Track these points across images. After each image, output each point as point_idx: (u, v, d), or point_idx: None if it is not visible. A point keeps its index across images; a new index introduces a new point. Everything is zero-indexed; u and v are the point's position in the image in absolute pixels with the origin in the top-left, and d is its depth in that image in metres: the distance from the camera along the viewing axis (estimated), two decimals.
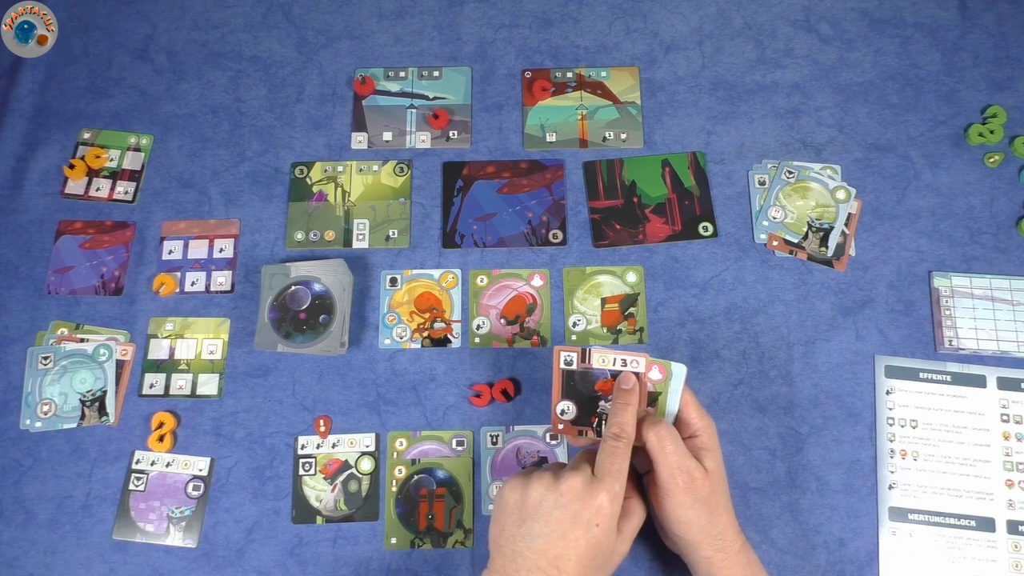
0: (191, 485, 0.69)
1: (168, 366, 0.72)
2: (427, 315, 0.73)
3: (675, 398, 0.58)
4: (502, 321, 0.72)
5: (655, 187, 0.77)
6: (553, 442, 0.69)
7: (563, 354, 0.59)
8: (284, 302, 0.71)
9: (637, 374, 0.58)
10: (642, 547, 0.66)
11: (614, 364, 0.59)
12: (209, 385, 0.71)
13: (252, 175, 0.78)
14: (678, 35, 0.83)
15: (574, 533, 0.50)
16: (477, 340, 0.72)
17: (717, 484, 0.56)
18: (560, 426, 0.59)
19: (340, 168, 0.78)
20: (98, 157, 0.78)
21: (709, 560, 0.56)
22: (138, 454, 0.70)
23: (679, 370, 0.58)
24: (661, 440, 0.54)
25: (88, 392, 0.71)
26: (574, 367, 0.59)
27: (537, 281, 0.73)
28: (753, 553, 0.57)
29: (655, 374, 0.58)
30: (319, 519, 0.67)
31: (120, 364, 0.72)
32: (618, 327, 0.72)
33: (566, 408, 0.59)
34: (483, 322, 0.72)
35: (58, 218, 0.77)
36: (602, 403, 0.59)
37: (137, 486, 0.69)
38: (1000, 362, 0.70)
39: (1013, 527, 0.66)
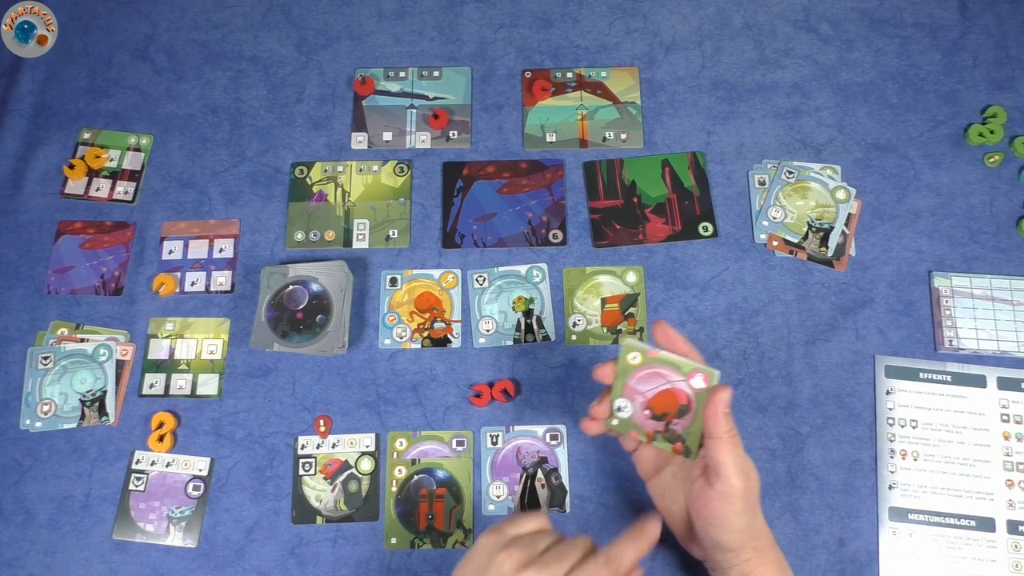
0: (191, 485, 0.69)
1: (168, 366, 0.72)
2: (427, 315, 0.73)
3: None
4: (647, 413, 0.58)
5: (655, 187, 0.77)
6: (553, 442, 0.69)
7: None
8: (281, 301, 0.71)
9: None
10: None
11: None
12: (209, 385, 0.71)
13: (252, 175, 0.78)
14: (678, 35, 0.83)
15: None
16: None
17: (759, 485, 0.55)
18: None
19: (340, 168, 0.78)
20: (98, 157, 0.78)
21: (748, 562, 0.54)
22: (138, 454, 0.70)
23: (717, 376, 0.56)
24: (729, 441, 0.52)
25: (88, 392, 0.71)
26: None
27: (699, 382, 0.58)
28: (778, 548, 0.56)
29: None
30: (319, 519, 0.67)
31: (120, 364, 0.72)
32: (618, 327, 0.72)
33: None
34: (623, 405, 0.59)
35: (58, 218, 0.77)
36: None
37: (137, 486, 0.69)
38: (1000, 362, 0.70)
39: (1013, 527, 0.66)
